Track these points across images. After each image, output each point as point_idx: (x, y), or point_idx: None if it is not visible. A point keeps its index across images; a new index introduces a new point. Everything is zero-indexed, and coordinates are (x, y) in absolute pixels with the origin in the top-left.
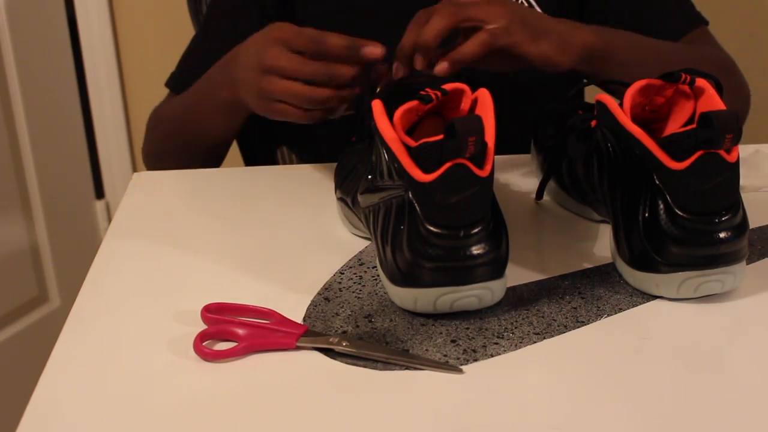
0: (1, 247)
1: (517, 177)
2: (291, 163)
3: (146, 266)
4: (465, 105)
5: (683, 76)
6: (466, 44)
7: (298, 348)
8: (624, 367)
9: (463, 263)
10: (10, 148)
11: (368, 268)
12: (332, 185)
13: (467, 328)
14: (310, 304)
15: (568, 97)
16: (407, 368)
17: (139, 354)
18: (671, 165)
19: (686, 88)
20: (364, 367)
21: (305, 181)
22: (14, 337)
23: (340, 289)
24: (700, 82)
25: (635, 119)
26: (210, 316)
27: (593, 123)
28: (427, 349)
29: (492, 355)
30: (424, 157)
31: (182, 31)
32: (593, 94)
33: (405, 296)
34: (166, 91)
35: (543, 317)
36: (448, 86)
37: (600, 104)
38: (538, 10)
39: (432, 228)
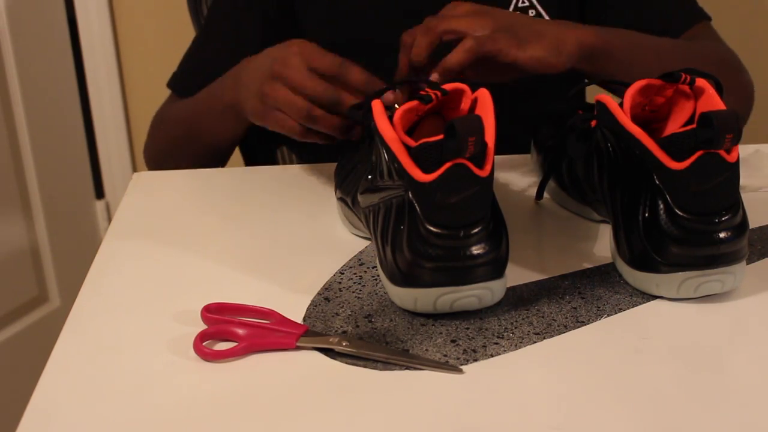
0: (1, 247)
1: (517, 177)
2: (291, 163)
3: (146, 266)
4: (465, 105)
5: (683, 76)
6: (451, 54)
7: (298, 348)
8: (624, 367)
9: (463, 263)
10: (10, 148)
11: (368, 268)
12: (332, 185)
13: (467, 328)
14: (310, 304)
15: (568, 97)
16: (407, 368)
17: (139, 354)
18: (671, 165)
19: (686, 88)
20: (364, 367)
21: (305, 181)
22: (14, 337)
23: (340, 289)
24: (700, 82)
25: (635, 119)
26: (210, 316)
27: (593, 123)
28: (427, 349)
29: (492, 355)
30: (424, 157)
31: (182, 31)
32: (593, 94)
33: (405, 296)
34: (166, 91)
35: (543, 317)
36: (448, 86)
37: (600, 104)
38: (540, 9)
39: (432, 228)
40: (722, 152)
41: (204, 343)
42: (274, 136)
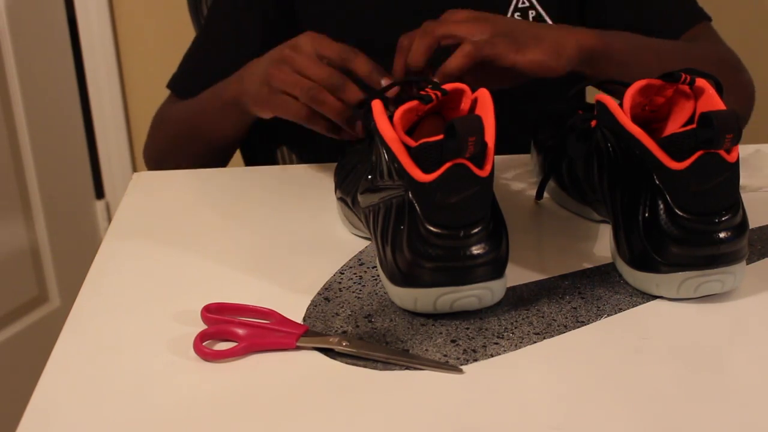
0: (1, 247)
1: (517, 177)
2: (291, 163)
3: (146, 266)
4: (465, 105)
5: (683, 76)
6: (450, 58)
7: (298, 348)
8: (624, 367)
9: (463, 263)
10: (10, 148)
11: (368, 268)
12: (332, 185)
13: (467, 328)
14: (310, 304)
15: (568, 97)
16: (407, 368)
17: (139, 354)
18: (671, 165)
19: (686, 88)
20: (364, 367)
21: (305, 181)
22: (14, 337)
23: (340, 289)
24: (700, 82)
25: (635, 119)
26: (210, 316)
27: (593, 123)
28: (427, 349)
29: (492, 355)
30: (424, 157)
31: (182, 31)
32: (593, 94)
33: (405, 296)
34: (166, 91)
35: (543, 317)
36: (448, 86)
37: (600, 104)
38: (540, 9)
39: (432, 228)
40: (722, 152)
41: (204, 343)
42: (274, 136)
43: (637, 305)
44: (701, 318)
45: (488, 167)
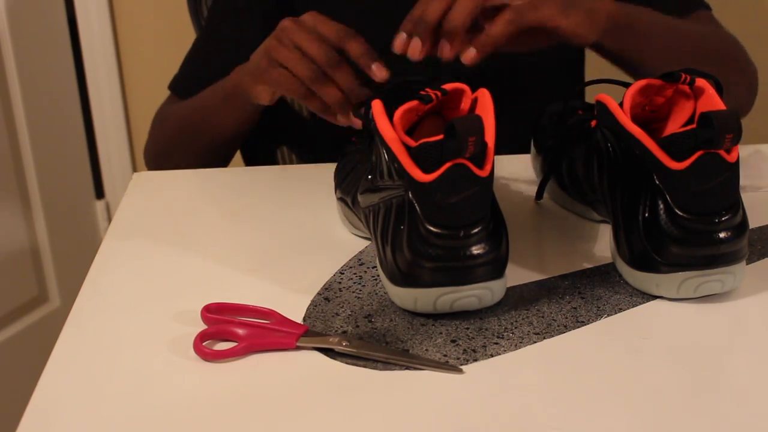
0: (1, 247)
1: (517, 177)
2: (291, 163)
3: (146, 266)
4: (465, 105)
5: (683, 76)
6: (492, 26)
7: (298, 348)
8: (624, 367)
9: (463, 263)
10: (10, 148)
11: (368, 268)
12: (332, 185)
13: (467, 328)
14: (310, 304)
15: (568, 97)
16: (407, 368)
17: (139, 354)
18: (671, 165)
19: (686, 88)
20: (364, 367)
21: (305, 181)
22: (14, 337)
23: (340, 289)
24: (700, 82)
25: (635, 119)
26: (210, 316)
27: (593, 123)
28: (427, 349)
29: (492, 355)
30: (424, 157)
31: (182, 31)
32: (593, 94)
33: (405, 296)
34: (166, 91)
35: (543, 317)
36: (448, 86)
37: (600, 104)
38: None
39: (432, 228)
40: (722, 152)
41: (204, 343)
42: (274, 136)
43: (637, 305)
44: (701, 318)
45: (488, 167)
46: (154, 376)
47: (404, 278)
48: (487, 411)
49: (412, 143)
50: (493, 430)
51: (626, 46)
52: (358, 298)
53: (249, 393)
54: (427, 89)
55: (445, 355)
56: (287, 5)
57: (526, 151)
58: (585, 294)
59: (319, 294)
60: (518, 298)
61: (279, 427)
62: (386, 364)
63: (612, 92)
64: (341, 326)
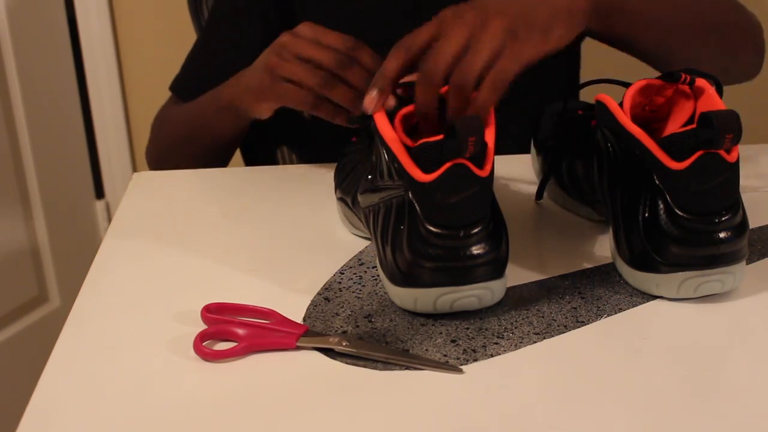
0: (1, 247)
1: (517, 177)
2: (291, 163)
3: (146, 266)
4: None
5: (683, 76)
6: (480, 93)
7: (298, 348)
8: (624, 367)
9: (463, 263)
10: (10, 148)
11: (368, 268)
12: (332, 185)
13: (467, 328)
14: (310, 304)
15: (568, 96)
16: (407, 368)
17: (139, 354)
18: (671, 165)
19: (686, 88)
20: (364, 367)
21: (305, 181)
22: (14, 337)
23: (340, 289)
24: (700, 82)
25: (635, 119)
26: (210, 316)
27: (593, 123)
28: (427, 349)
29: (492, 355)
30: (424, 157)
31: (182, 32)
32: (593, 93)
33: (405, 296)
34: (166, 92)
35: (543, 317)
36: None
37: (600, 104)
38: None
39: (432, 228)
40: (722, 152)
41: (204, 343)
42: (274, 136)
43: (637, 305)
44: (701, 318)
45: (488, 167)
46: (154, 376)
47: (404, 278)
48: (487, 411)
49: (412, 143)
50: (493, 430)
51: (617, 29)
52: (358, 298)
53: (249, 393)
54: None
55: (445, 355)
56: (285, 5)
57: (526, 151)
58: (585, 294)
59: (319, 294)
60: (518, 298)
61: (279, 427)
62: (386, 364)
63: (612, 92)
64: (341, 326)
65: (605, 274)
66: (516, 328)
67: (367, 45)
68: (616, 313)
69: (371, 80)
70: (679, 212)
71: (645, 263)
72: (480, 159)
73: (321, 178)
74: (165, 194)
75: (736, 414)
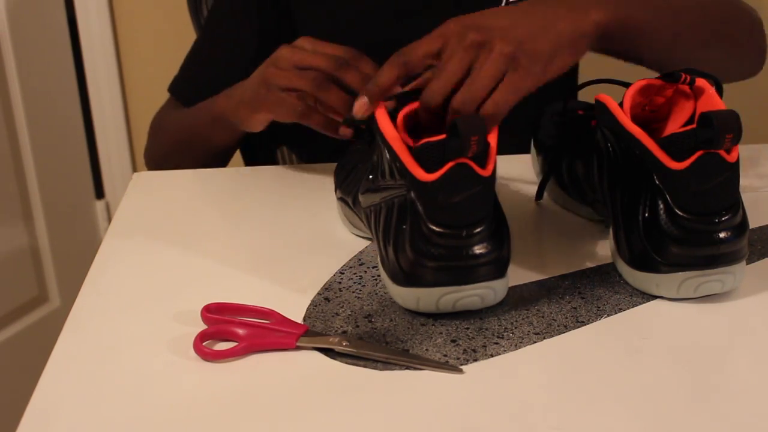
0: (1, 247)
1: (517, 177)
2: (291, 163)
3: (146, 266)
4: None
5: (683, 76)
6: (493, 101)
7: (298, 348)
8: (624, 367)
9: (466, 263)
10: (10, 149)
11: (368, 268)
12: (332, 185)
13: (467, 328)
14: (310, 304)
15: (568, 96)
16: (407, 368)
17: (139, 354)
18: (671, 165)
19: (686, 88)
20: (364, 367)
21: (305, 181)
22: (14, 337)
23: (340, 289)
24: (700, 82)
25: (635, 119)
26: (210, 316)
27: (593, 123)
28: (427, 349)
29: (492, 355)
30: (426, 157)
31: (182, 32)
32: (593, 93)
33: (407, 296)
34: (165, 92)
35: (543, 317)
36: None
37: (600, 104)
38: None
39: (435, 227)
40: (722, 152)
41: (204, 343)
42: (274, 136)
43: (637, 305)
44: (701, 318)
45: (490, 167)
46: (154, 376)
47: (407, 278)
48: (487, 411)
49: (413, 143)
50: (493, 430)
51: (621, 46)
52: (358, 298)
53: (249, 393)
54: None
55: (445, 355)
56: (284, 6)
57: (526, 151)
58: (585, 294)
59: (319, 294)
60: (518, 298)
61: (279, 427)
62: (386, 364)
63: (612, 92)
64: (341, 326)
65: (605, 274)
66: (516, 328)
67: (365, 53)
68: (616, 313)
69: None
70: (679, 212)
71: (645, 263)
72: (482, 158)
73: (321, 178)
74: (165, 194)
75: (736, 414)
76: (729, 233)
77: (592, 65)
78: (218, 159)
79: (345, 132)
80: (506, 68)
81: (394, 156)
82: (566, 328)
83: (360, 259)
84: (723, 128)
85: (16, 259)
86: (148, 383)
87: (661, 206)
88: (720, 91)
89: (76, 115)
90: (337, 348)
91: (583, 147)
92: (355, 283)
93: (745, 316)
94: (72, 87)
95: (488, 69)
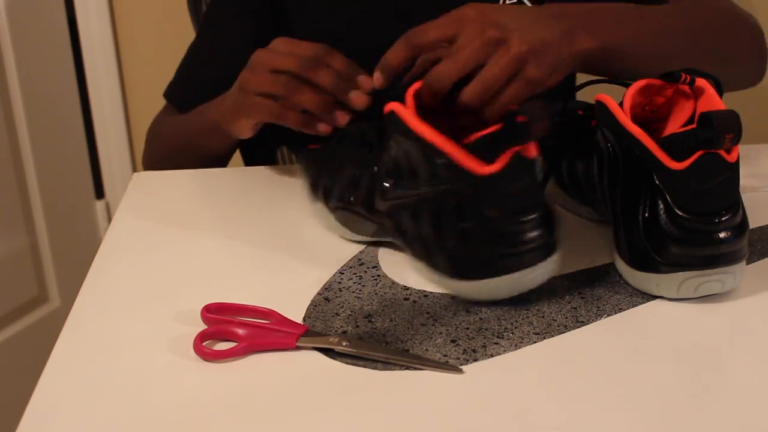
0: (1, 247)
1: None
2: (291, 163)
3: (146, 266)
4: None
5: (683, 76)
6: (510, 91)
7: (298, 348)
8: (624, 367)
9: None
10: (10, 149)
11: (368, 268)
12: None
13: (467, 328)
14: (310, 304)
15: (568, 96)
16: (407, 368)
17: (139, 354)
18: (671, 165)
19: (686, 88)
20: (364, 367)
21: None
22: (14, 337)
23: (340, 289)
24: (700, 82)
25: (635, 119)
26: (210, 316)
27: (593, 123)
28: (427, 349)
29: (492, 355)
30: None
31: (182, 32)
32: (593, 94)
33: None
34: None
35: (543, 317)
36: None
37: (600, 104)
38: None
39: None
40: (722, 152)
41: (204, 343)
42: (274, 136)
43: (637, 305)
44: (701, 318)
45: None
46: (154, 376)
47: (644, 263)
48: (487, 411)
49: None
50: (493, 430)
51: (605, 73)
52: (358, 298)
53: (249, 393)
54: None
55: (445, 355)
56: (279, 8)
57: None
58: (585, 294)
59: (319, 294)
60: (518, 298)
61: (279, 427)
62: (386, 364)
63: (612, 92)
64: (341, 326)
65: (605, 274)
66: (516, 328)
67: (354, 57)
68: (616, 313)
69: (340, 83)
70: (679, 212)
71: (645, 263)
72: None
73: None
74: (165, 194)
75: (737, 414)
76: (729, 233)
77: None
78: (216, 164)
79: (324, 129)
80: (519, 69)
81: (439, 153)
82: (566, 328)
83: (360, 259)
84: (723, 128)
85: (16, 259)
86: (148, 383)
87: (661, 206)
88: (720, 91)
89: (76, 115)
90: (337, 348)
91: (583, 147)
92: (355, 283)
93: (745, 316)
94: (72, 87)
95: (504, 66)
